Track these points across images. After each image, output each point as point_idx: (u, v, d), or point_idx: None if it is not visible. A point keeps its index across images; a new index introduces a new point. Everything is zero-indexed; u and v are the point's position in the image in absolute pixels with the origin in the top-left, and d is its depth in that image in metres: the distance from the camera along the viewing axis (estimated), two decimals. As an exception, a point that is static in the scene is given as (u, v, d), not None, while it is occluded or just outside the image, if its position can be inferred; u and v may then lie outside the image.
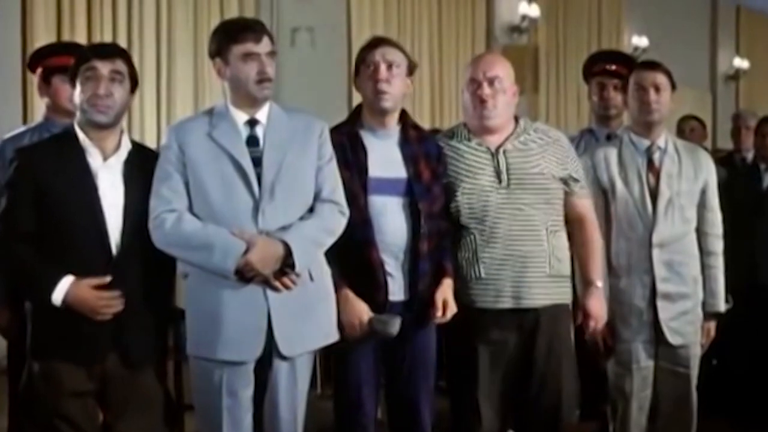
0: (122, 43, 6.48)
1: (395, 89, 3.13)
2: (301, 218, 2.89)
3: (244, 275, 2.80)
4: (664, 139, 3.60)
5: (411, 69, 3.22)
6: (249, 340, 2.84)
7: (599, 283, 3.33)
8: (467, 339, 3.22)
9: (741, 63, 12.73)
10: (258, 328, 2.84)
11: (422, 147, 3.20)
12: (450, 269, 3.16)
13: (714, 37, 12.71)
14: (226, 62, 2.89)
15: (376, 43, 3.20)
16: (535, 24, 9.80)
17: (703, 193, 3.59)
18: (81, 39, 6.07)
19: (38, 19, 6.16)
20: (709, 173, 3.62)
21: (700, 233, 3.59)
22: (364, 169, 3.09)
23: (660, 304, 3.48)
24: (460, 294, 3.19)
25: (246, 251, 2.77)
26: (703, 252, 3.59)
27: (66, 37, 6.17)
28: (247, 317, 2.83)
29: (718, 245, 3.62)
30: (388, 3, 8.53)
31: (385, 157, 3.13)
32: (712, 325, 3.64)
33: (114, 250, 2.83)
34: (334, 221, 2.94)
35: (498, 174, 3.23)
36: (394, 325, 3.01)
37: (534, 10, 9.71)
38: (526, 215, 3.20)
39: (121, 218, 2.84)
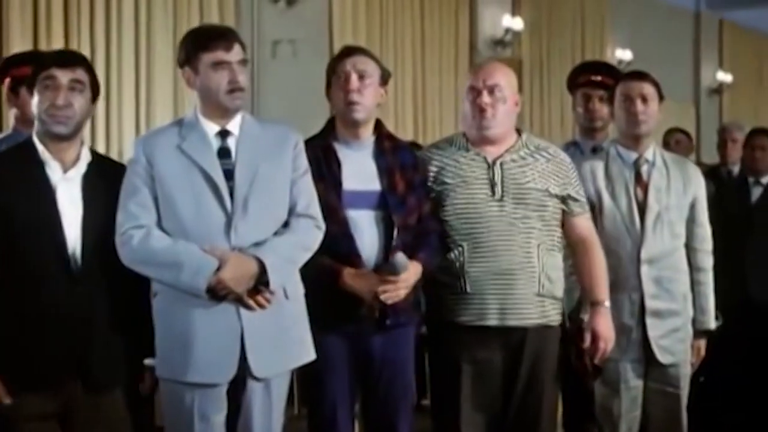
0: (100, 51, 6.36)
1: (367, 100, 3.05)
2: (276, 234, 2.79)
3: (216, 294, 2.69)
4: (652, 151, 3.51)
5: (384, 79, 3.14)
6: (221, 362, 2.73)
7: (607, 303, 3.24)
8: (450, 356, 3.13)
9: (724, 77, 12.72)
10: (231, 348, 2.73)
11: (397, 157, 3.12)
12: (424, 259, 3.04)
13: (697, 51, 12.71)
14: (195, 71, 2.79)
15: (347, 52, 3.13)
16: (519, 37, 9.74)
17: (693, 207, 3.50)
18: (58, 46, 5.95)
19: (14, 26, 6.01)
20: (699, 187, 3.53)
21: (690, 249, 3.50)
22: (338, 183, 3.02)
23: (649, 321, 3.39)
24: (444, 309, 3.12)
25: (218, 269, 2.66)
26: (693, 268, 3.50)
27: (42, 44, 6.02)
28: (219, 338, 2.72)
29: (707, 261, 3.53)
30: (371, 15, 8.45)
31: (359, 170, 3.06)
32: (702, 343, 3.55)
33: (74, 267, 2.70)
34: (310, 237, 2.84)
35: (492, 186, 3.15)
36: (401, 265, 2.92)
37: (517, 24, 9.66)
38: (518, 230, 3.11)
39: (80, 233, 2.71)
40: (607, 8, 11.11)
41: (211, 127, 2.81)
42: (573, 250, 3.27)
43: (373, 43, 8.09)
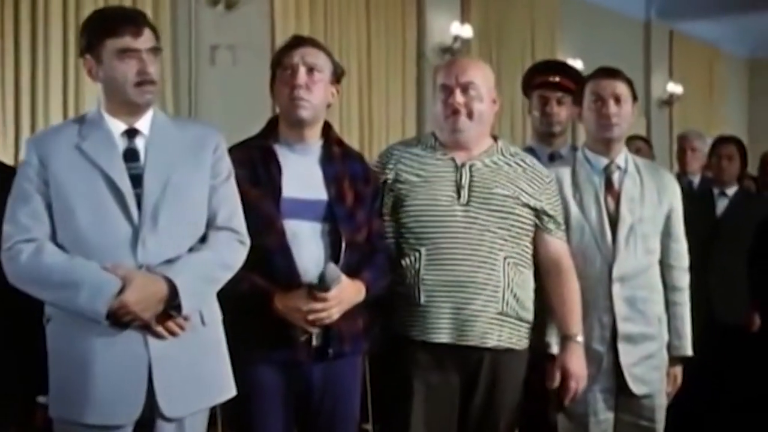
0: (25, 47, 5.79)
1: (315, 97, 2.70)
2: (191, 250, 2.42)
3: (119, 319, 2.31)
4: (624, 157, 3.18)
5: (337, 75, 2.78)
6: (125, 400, 2.35)
7: (580, 338, 2.91)
8: (402, 376, 2.81)
9: (675, 88, 12.62)
10: (136, 384, 2.35)
11: (347, 166, 2.77)
12: (368, 279, 2.69)
13: (648, 61, 12.60)
14: (98, 60, 2.41)
15: (296, 42, 2.77)
16: (468, 45, 9.54)
17: (668, 219, 3.17)
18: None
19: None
20: (675, 197, 3.20)
21: (664, 266, 3.17)
22: (277, 189, 2.65)
23: (621, 347, 3.04)
24: (396, 322, 2.82)
25: (121, 290, 2.29)
26: (668, 287, 3.17)
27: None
28: (122, 371, 2.34)
29: (684, 280, 3.20)
30: (315, 20, 8.16)
31: (302, 176, 2.70)
32: (678, 370, 3.21)
33: None
34: (232, 253, 2.47)
35: (458, 188, 2.84)
36: (331, 277, 2.54)
37: (467, 31, 9.48)
38: (483, 239, 2.79)
39: None
40: (557, 17, 11.00)
41: (117, 126, 2.44)
42: (544, 272, 2.93)
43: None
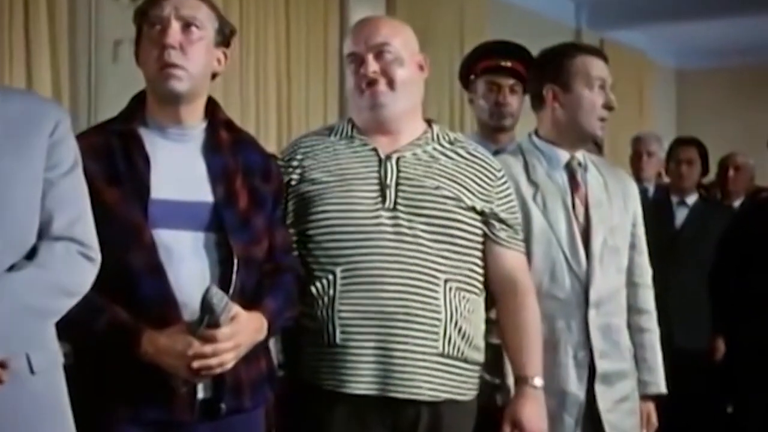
0: None
1: (194, 63, 2.04)
2: (13, 268, 1.73)
3: None
4: (581, 152, 2.60)
5: (225, 36, 2.13)
6: None
7: (537, 381, 2.26)
8: None
9: (605, 96, 12.38)
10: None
11: (240, 156, 2.11)
12: (272, 309, 2.04)
13: (578, 70, 12.35)
14: None
15: None
16: (393, 45, 9.10)
17: (634, 228, 2.63)
18: None
19: None
20: (637, 202, 2.68)
21: (630, 285, 2.61)
22: (144, 188, 1.99)
23: (599, 389, 2.45)
24: (303, 366, 2.19)
25: None
26: (633, 310, 2.62)
27: None
28: None
29: (651, 300, 2.67)
30: (230, 14, 7.59)
31: (178, 170, 2.04)
32: (651, 408, 2.66)
33: None
34: (73, 272, 1.79)
35: (383, 189, 2.20)
36: (219, 306, 1.87)
37: (392, 31, 9.00)
38: (416, 255, 2.16)
39: None
40: (487, 21, 10.69)
41: None
42: (494, 295, 2.31)
43: (232, 50, 7.33)
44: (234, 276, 1.96)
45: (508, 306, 2.30)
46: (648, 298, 2.65)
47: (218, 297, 1.86)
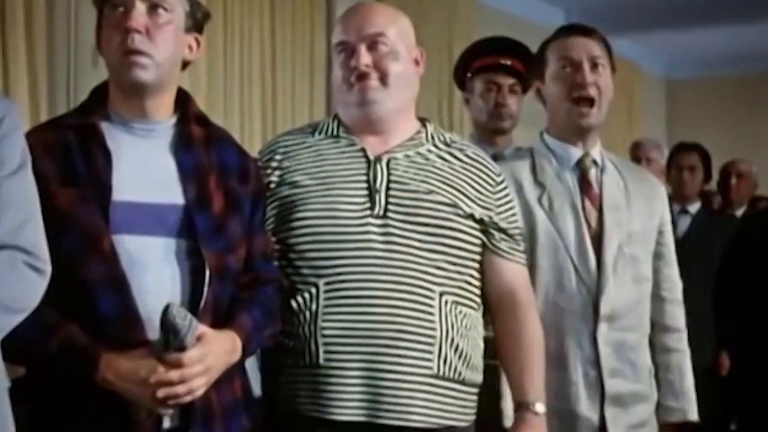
0: None
1: (161, 50, 1.84)
2: None
3: None
4: (600, 151, 2.40)
5: (197, 21, 1.92)
6: None
7: (539, 407, 2.05)
8: None
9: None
10: None
11: (214, 154, 1.92)
12: (248, 326, 1.84)
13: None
14: None
15: None
16: (380, 49, 9.00)
17: (660, 236, 2.41)
18: None
19: None
20: (665, 207, 2.46)
21: (654, 298, 2.40)
22: (104, 188, 1.78)
23: (609, 412, 2.24)
24: (282, 390, 2.00)
25: None
26: (659, 328, 2.40)
27: None
28: None
29: (681, 317, 2.44)
30: (214, 14, 7.41)
31: (145, 169, 1.85)
32: None
33: None
34: (18, 285, 1.58)
35: (371, 193, 2.00)
36: (182, 325, 1.65)
37: (380, 35, 8.90)
38: (408, 267, 1.96)
39: None
40: (476, 26, 10.64)
41: None
42: (492, 311, 2.11)
43: (216, 47, 7.25)
44: (206, 288, 1.76)
45: (507, 322, 2.10)
46: (677, 315, 2.44)
47: (181, 316, 1.64)
